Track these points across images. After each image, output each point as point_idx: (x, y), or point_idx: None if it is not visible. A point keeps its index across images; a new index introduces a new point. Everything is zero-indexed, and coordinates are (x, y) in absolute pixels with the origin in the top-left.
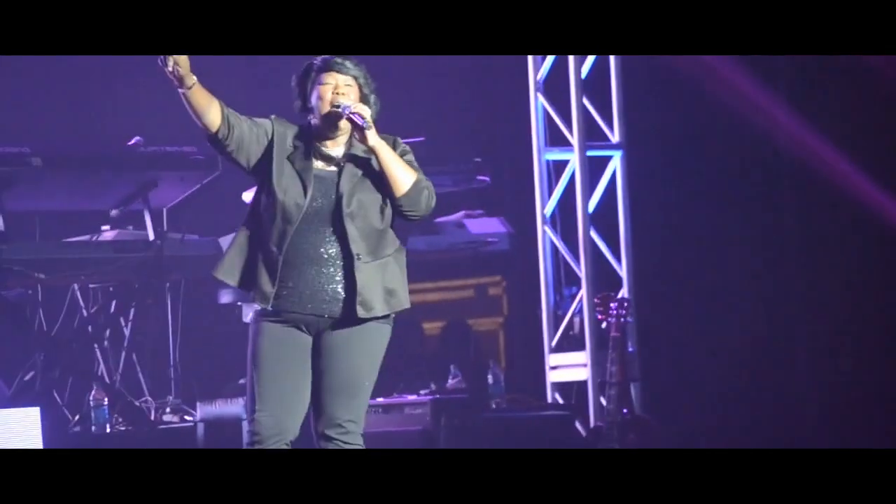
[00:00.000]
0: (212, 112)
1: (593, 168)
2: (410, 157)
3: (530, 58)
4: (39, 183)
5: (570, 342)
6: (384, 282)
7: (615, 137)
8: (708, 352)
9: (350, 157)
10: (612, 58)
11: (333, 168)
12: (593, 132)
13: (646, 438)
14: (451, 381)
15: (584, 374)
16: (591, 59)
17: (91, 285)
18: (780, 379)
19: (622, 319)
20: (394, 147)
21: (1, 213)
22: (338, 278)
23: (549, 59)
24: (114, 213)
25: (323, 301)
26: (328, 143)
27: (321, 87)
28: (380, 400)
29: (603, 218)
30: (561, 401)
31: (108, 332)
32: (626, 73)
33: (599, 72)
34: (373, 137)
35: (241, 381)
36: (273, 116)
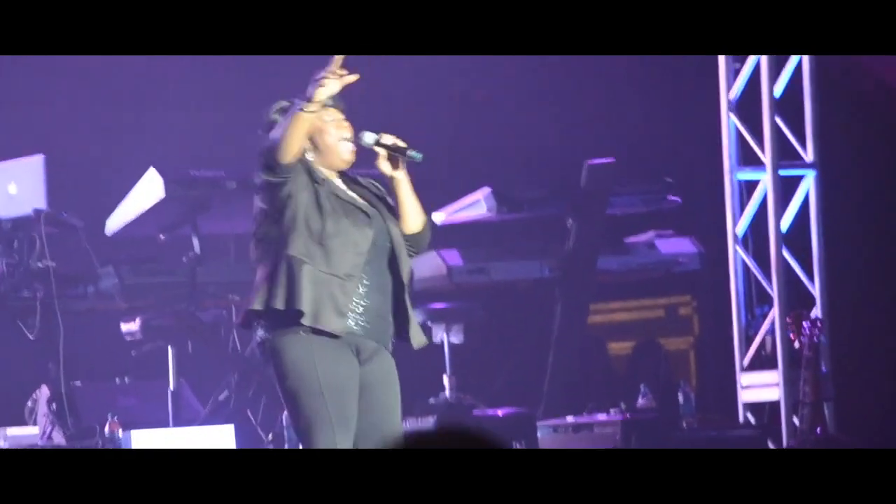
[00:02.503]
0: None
1: (786, 187)
2: None
3: (722, 75)
4: (234, 206)
5: (762, 362)
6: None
7: (809, 156)
8: None
9: (363, 190)
10: (805, 75)
11: (366, 200)
12: (786, 151)
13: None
14: (641, 401)
15: (776, 393)
16: (784, 77)
17: None
18: None
19: (815, 339)
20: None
21: (197, 235)
22: (387, 307)
23: (742, 76)
24: None
25: (386, 328)
26: (334, 175)
27: (325, 124)
28: (569, 419)
29: (796, 237)
30: (753, 421)
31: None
32: (821, 92)
33: (793, 90)
34: (402, 169)
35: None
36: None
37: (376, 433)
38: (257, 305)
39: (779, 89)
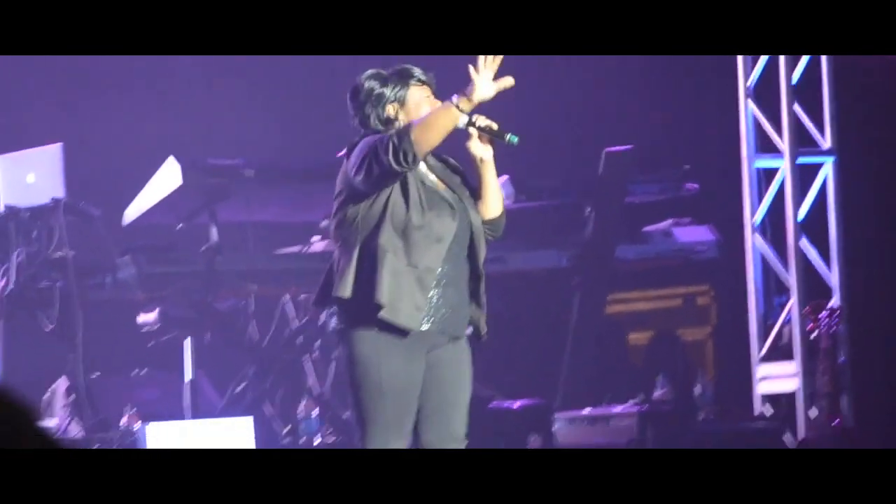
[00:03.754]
0: None
1: (804, 175)
2: None
3: (740, 63)
4: (252, 194)
5: (780, 352)
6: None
7: (826, 144)
8: None
9: (446, 175)
10: (823, 62)
11: (445, 187)
12: (804, 139)
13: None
14: (658, 392)
15: (793, 384)
16: (802, 64)
17: (302, 296)
18: None
19: (833, 329)
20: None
21: (215, 224)
22: (465, 298)
23: (760, 64)
24: (324, 223)
25: (460, 321)
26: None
27: (423, 100)
28: (586, 411)
29: (813, 226)
30: (770, 411)
31: (317, 344)
32: (838, 79)
33: (811, 77)
34: (491, 152)
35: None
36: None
37: (447, 412)
38: (340, 292)
39: (796, 76)
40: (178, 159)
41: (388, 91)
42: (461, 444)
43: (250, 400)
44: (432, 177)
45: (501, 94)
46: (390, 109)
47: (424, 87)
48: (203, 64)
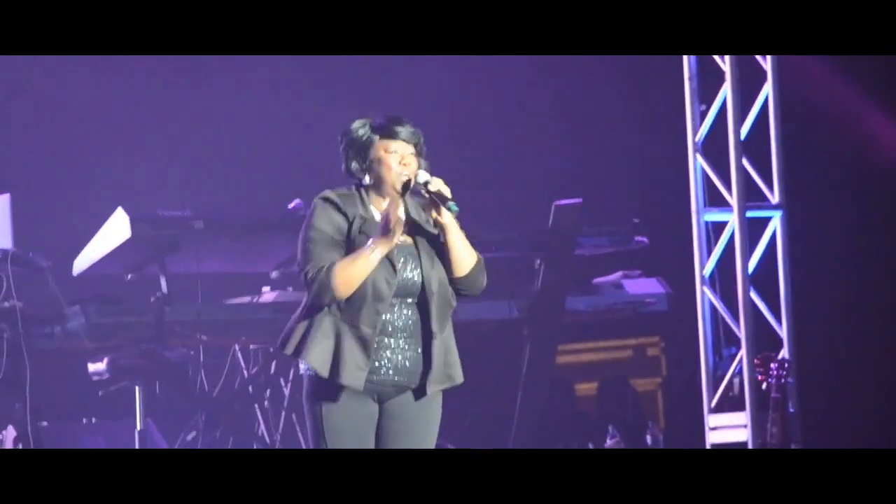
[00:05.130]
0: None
1: (753, 228)
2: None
3: (689, 117)
4: (201, 246)
5: (730, 403)
6: (450, 355)
7: (775, 198)
8: (872, 414)
9: (415, 227)
10: (771, 117)
11: (407, 238)
12: (752, 192)
13: None
14: (609, 442)
15: (744, 435)
16: (750, 118)
17: (252, 346)
18: None
19: (783, 380)
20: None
21: (164, 275)
22: (417, 350)
23: (709, 118)
24: (274, 274)
25: (407, 372)
26: (381, 206)
27: (388, 155)
28: None
29: (763, 278)
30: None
31: (268, 393)
32: (786, 133)
33: (759, 132)
34: (447, 216)
35: None
36: (329, 197)
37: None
38: (286, 350)
39: (745, 131)
40: (127, 211)
41: (358, 139)
42: None
43: (201, 448)
44: None
45: (454, 145)
46: (356, 160)
47: (397, 142)
48: (152, 112)
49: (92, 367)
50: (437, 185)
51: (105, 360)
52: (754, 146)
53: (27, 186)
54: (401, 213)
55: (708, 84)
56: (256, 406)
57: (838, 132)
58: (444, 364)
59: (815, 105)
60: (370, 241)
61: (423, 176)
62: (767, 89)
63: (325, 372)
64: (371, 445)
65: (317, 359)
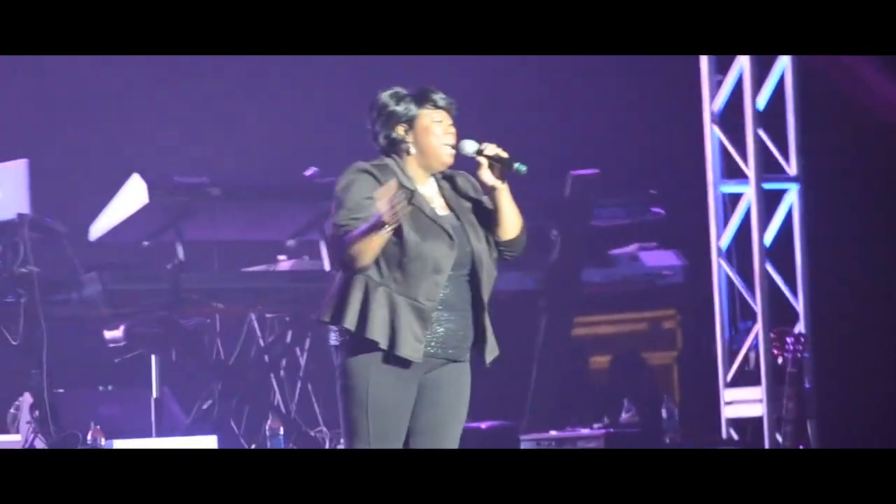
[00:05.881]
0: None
1: (770, 200)
2: None
3: (705, 88)
4: (218, 213)
5: (746, 377)
6: (491, 326)
7: (792, 170)
8: (887, 388)
9: (453, 198)
10: (788, 88)
11: (450, 212)
12: (770, 164)
13: None
14: (624, 416)
15: (759, 409)
16: (768, 89)
17: (268, 315)
18: None
19: (799, 355)
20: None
21: (181, 242)
22: (468, 323)
23: (726, 89)
24: (290, 243)
25: (459, 345)
26: (422, 182)
27: (433, 124)
28: (552, 433)
29: (779, 251)
30: (736, 437)
31: (284, 362)
32: (804, 105)
33: (776, 103)
34: (501, 178)
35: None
36: (366, 168)
37: (437, 433)
38: (326, 318)
39: (762, 102)
40: (144, 177)
41: (400, 110)
42: None
43: (216, 417)
44: (433, 204)
45: (469, 114)
46: (400, 130)
47: (439, 111)
48: (170, 82)
49: (108, 334)
50: (493, 148)
51: (121, 328)
52: (771, 117)
53: (44, 152)
54: (429, 187)
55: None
56: (272, 375)
57: (856, 103)
58: (492, 336)
59: (833, 75)
60: (376, 216)
61: (472, 145)
62: (784, 59)
63: (384, 343)
64: (408, 421)
65: (376, 331)
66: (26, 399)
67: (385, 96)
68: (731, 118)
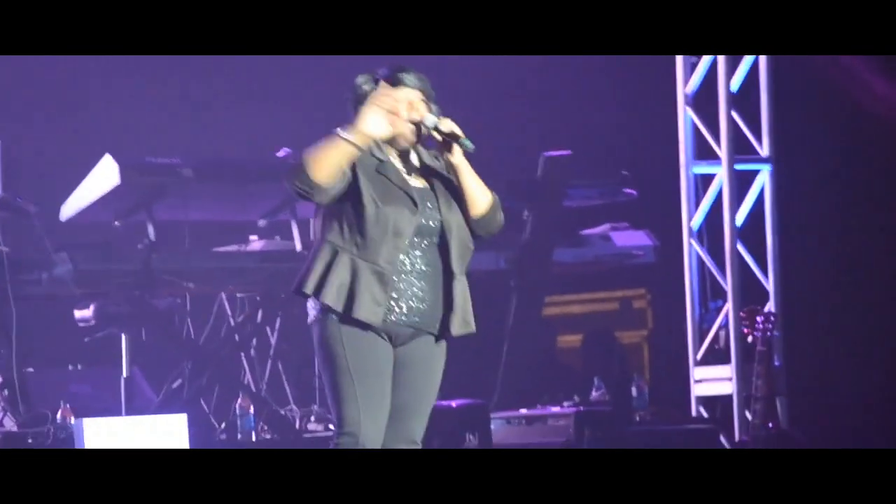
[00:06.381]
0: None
1: (741, 181)
2: None
3: (679, 70)
4: (190, 193)
5: (716, 356)
6: (467, 301)
7: (764, 151)
8: (856, 367)
9: (430, 170)
10: (762, 71)
11: (424, 183)
12: (742, 146)
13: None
14: (594, 394)
15: (729, 387)
16: (741, 71)
17: (238, 294)
18: None
19: (768, 333)
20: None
21: (152, 222)
22: (438, 293)
23: (699, 71)
24: (261, 223)
25: (426, 315)
26: (399, 154)
27: (399, 102)
28: (523, 411)
29: (750, 232)
30: (706, 414)
31: (254, 341)
32: (777, 87)
33: (749, 85)
34: (458, 155)
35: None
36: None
37: (406, 413)
38: (304, 288)
39: (735, 84)
40: (115, 157)
41: (367, 89)
42: (417, 447)
43: (186, 397)
44: (406, 175)
45: (440, 95)
46: None
47: (407, 90)
48: (141, 62)
49: (78, 313)
50: (448, 125)
51: (92, 307)
52: (744, 99)
53: (15, 131)
54: (415, 158)
55: None
56: (242, 354)
57: (829, 85)
58: (464, 309)
59: (806, 58)
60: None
61: (431, 119)
62: None
63: (339, 307)
64: (389, 386)
65: (330, 294)
66: None
67: (359, 77)
68: (703, 99)
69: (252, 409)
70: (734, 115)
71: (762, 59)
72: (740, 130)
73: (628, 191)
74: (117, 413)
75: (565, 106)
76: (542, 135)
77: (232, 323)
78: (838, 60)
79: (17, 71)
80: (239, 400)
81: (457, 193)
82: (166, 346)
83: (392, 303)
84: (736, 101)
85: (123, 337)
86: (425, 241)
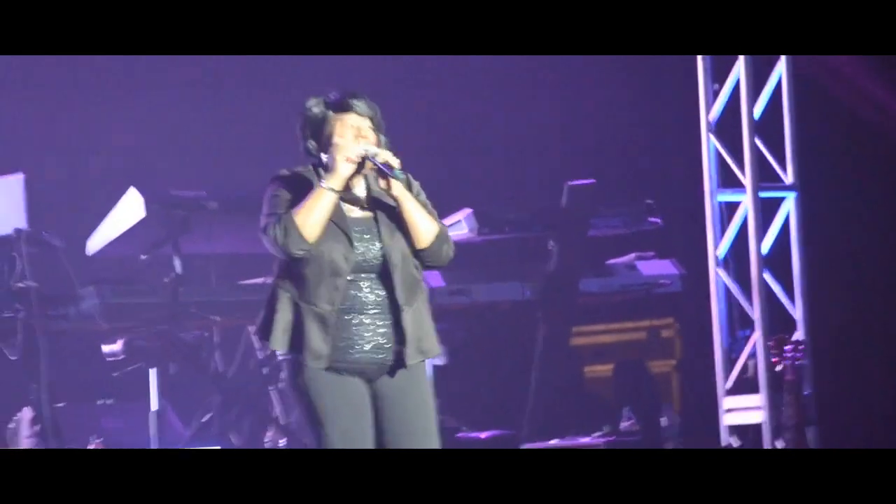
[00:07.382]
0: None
1: (766, 209)
2: (424, 197)
3: (702, 98)
4: (215, 226)
5: (745, 385)
6: (424, 327)
7: (788, 178)
8: (887, 395)
9: (376, 202)
10: (784, 97)
11: (367, 213)
12: (766, 173)
13: None
14: (624, 424)
15: (759, 417)
16: (764, 98)
17: None
18: None
19: (797, 362)
20: (409, 187)
21: (178, 255)
22: (389, 325)
23: (722, 98)
24: None
25: (384, 348)
26: (340, 185)
27: (342, 130)
28: (552, 442)
29: (776, 259)
30: (736, 444)
31: (283, 374)
32: (800, 113)
33: (772, 112)
34: (398, 187)
35: None
36: (282, 174)
37: (403, 445)
38: (260, 334)
39: (758, 111)
40: (141, 191)
41: (312, 116)
42: None
43: (217, 430)
44: (347, 206)
45: (465, 125)
46: (311, 139)
47: (361, 118)
48: (166, 94)
49: (106, 348)
50: (384, 156)
51: (120, 342)
52: (768, 126)
53: (41, 166)
54: (361, 187)
55: (721, 63)
56: (271, 387)
57: (853, 111)
58: (417, 338)
59: (829, 83)
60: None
61: (371, 149)
62: (781, 68)
63: (286, 350)
64: (370, 421)
65: (277, 339)
66: (25, 414)
67: (310, 100)
68: (727, 127)
69: (282, 442)
70: (758, 142)
71: (784, 84)
72: (764, 158)
73: (653, 219)
74: (147, 447)
75: (589, 135)
76: (565, 164)
77: (260, 356)
78: (860, 86)
79: (41, 105)
80: (269, 433)
81: (401, 222)
82: (195, 380)
83: (349, 341)
84: (759, 128)
85: (152, 371)
86: (371, 276)
